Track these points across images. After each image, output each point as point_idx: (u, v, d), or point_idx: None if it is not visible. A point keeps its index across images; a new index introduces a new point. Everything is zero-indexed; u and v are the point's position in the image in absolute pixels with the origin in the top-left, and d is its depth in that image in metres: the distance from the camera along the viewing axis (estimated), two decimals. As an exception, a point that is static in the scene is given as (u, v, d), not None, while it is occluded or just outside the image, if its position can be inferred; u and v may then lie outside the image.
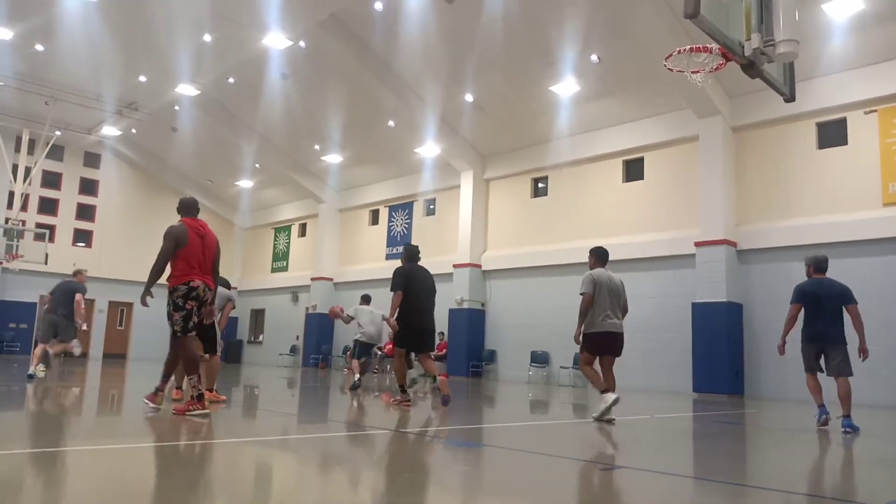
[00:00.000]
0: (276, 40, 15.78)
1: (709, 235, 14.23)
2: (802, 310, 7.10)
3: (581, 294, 7.18)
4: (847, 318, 6.97)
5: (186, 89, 19.12)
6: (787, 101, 6.55)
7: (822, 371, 7.08)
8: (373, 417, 7.61)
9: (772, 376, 13.25)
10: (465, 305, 18.76)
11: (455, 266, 19.33)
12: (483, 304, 19.06)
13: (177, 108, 21.02)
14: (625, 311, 7.52)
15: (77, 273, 11.52)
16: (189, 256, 5.98)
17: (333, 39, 16.27)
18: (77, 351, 10.96)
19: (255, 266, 28.52)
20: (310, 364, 23.27)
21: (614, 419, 7.07)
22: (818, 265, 7.22)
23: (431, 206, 21.59)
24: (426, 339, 8.28)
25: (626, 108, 15.90)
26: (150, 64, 18.39)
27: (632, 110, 15.90)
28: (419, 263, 8.28)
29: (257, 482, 3.74)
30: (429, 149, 19.38)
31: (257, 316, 27.72)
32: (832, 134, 13.53)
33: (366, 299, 12.60)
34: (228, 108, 21.19)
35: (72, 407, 7.58)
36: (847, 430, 6.72)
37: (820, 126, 13.69)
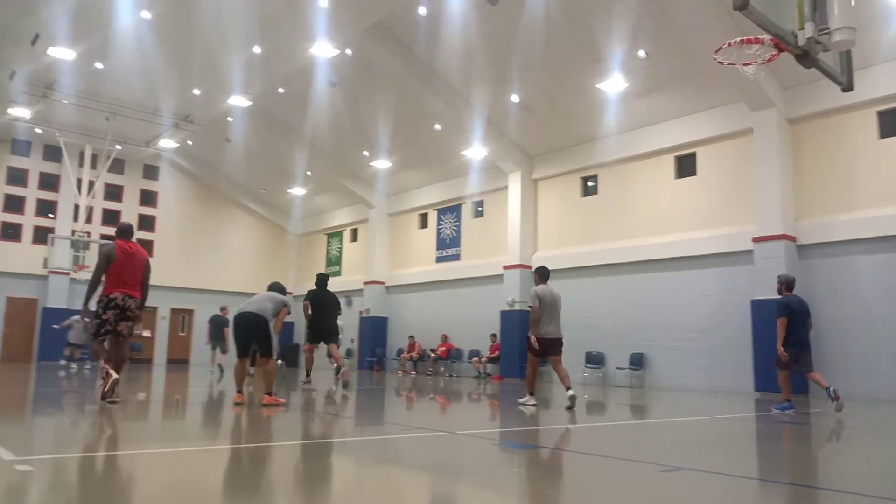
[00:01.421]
0: (323, 49, 16.06)
1: (766, 231, 13.86)
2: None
3: (529, 307, 8.96)
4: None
5: (238, 101, 19.62)
6: (844, 90, 6.37)
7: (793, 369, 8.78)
8: (428, 419, 7.68)
9: (837, 374, 12.80)
10: (517, 307, 18.71)
11: (505, 268, 19.30)
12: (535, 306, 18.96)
13: (230, 119, 21.59)
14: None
15: (222, 309, 16.50)
16: (116, 272, 7.28)
17: (379, 46, 16.47)
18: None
19: (309, 271, 29.00)
20: (365, 367, 23.56)
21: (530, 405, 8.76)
22: (789, 284, 9.17)
23: (479, 209, 21.61)
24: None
25: (676, 103, 15.63)
26: (203, 77, 18.95)
27: (682, 105, 15.61)
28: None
29: (317, 484, 3.83)
30: (475, 151, 19.41)
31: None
32: (895, 122, 13.02)
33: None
34: (279, 118, 21.66)
35: (142, 411, 7.89)
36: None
37: (881, 115, 13.17)
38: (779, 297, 9.22)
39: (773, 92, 13.81)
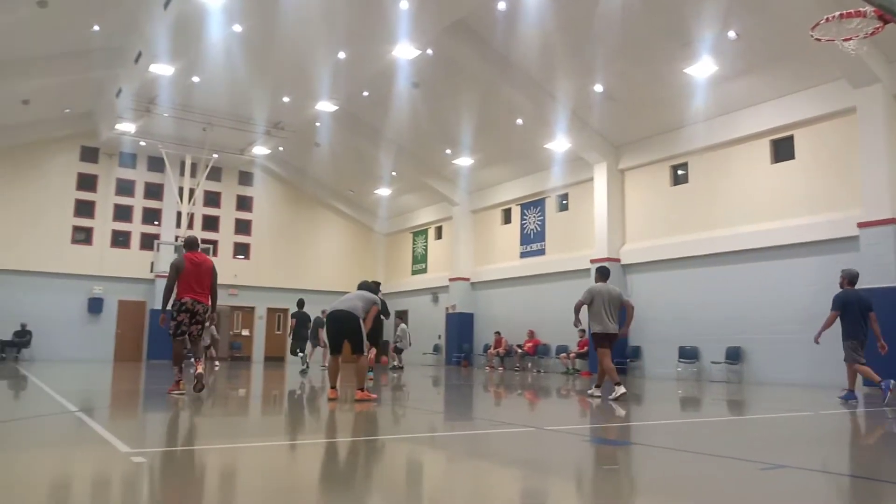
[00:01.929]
0: (404, 51, 16.29)
1: (874, 215, 12.99)
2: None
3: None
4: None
5: (325, 106, 20.20)
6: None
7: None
8: (517, 415, 7.68)
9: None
10: (605, 301, 18.37)
11: (592, 261, 18.96)
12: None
13: (318, 124, 22.26)
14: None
15: (322, 311, 15.89)
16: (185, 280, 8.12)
17: (459, 44, 16.55)
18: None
19: (396, 269, 29.56)
20: (452, 362, 23.77)
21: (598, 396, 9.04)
22: (851, 279, 9.29)
23: (564, 202, 21.34)
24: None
25: (770, 84, 14.88)
26: (292, 85, 19.63)
27: (777, 86, 14.85)
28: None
29: (412, 478, 3.92)
30: (559, 143, 19.18)
31: (401, 317, 28.69)
32: None
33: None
34: (364, 120, 22.14)
35: (242, 406, 8.28)
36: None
37: None
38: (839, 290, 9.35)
39: (878, 67, 12.92)
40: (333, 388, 8.29)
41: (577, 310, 9.16)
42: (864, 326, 8.97)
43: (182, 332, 8.12)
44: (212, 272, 8.32)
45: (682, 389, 12.60)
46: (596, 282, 9.42)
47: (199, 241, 8.69)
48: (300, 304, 16.85)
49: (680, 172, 17.72)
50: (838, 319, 9.10)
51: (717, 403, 9.79)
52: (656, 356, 17.49)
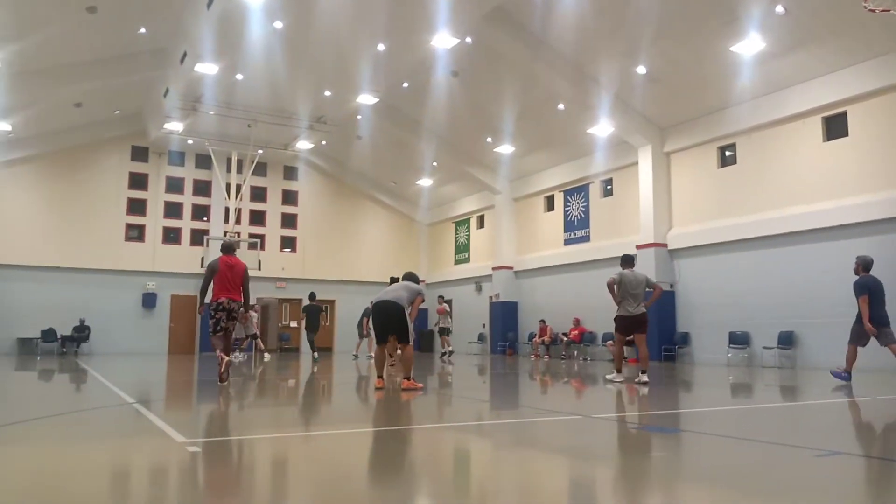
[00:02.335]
0: (443, 40, 16.24)
1: (935, 192, 12.47)
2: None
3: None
4: None
5: (366, 98, 20.31)
6: None
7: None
8: (563, 402, 7.65)
9: None
10: (653, 287, 18.11)
11: (638, 247, 18.69)
12: (672, 285, 18.25)
13: (359, 117, 22.41)
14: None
15: (371, 303, 18.69)
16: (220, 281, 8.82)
17: (498, 31, 16.42)
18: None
19: (439, 259, 29.65)
20: (497, 351, 23.76)
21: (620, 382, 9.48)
22: (866, 265, 9.51)
23: (608, 187, 21.05)
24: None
25: (821, 59, 14.36)
26: (333, 79, 19.80)
27: (828, 61, 14.33)
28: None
29: (460, 466, 3.95)
30: (602, 128, 18.90)
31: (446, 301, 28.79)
32: None
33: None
34: (404, 112, 22.20)
35: (292, 396, 8.45)
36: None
37: None
38: (856, 277, 9.56)
39: (938, 37, 12.37)
40: (380, 377, 8.39)
41: (611, 288, 9.68)
42: (884, 311, 9.31)
43: (221, 329, 8.83)
44: (244, 274, 9.03)
45: (733, 375, 12.35)
46: (623, 269, 9.78)
47: (235, 246, 9.44)
48: (311, 296, 17.72)
49: (727, 154, 17.30)
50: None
51: (770, 389, 9.57)
52: (705, 342, 17.18)
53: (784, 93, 15.44)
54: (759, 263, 15.89)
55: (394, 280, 9.00)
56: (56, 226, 23.49)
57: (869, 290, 9.25)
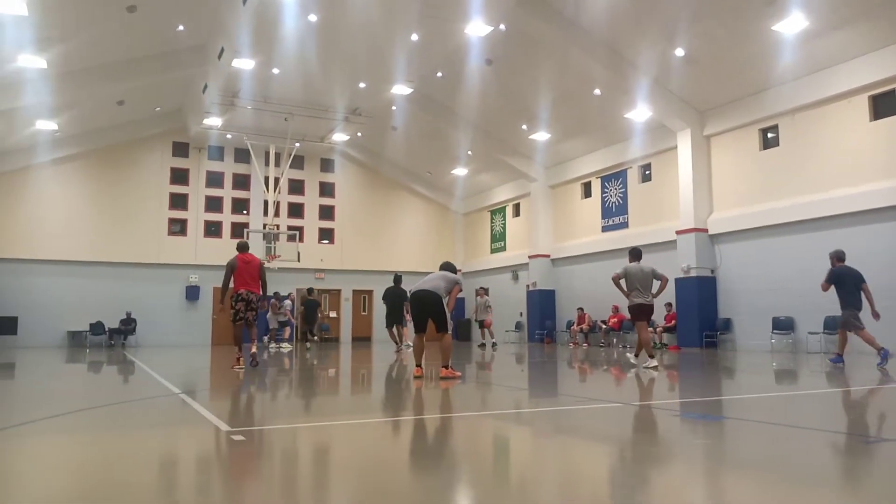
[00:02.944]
0: (477, 28, 16.16)
1: None
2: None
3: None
4: None
5: (401, 89, 20.35)
6: None
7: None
8: (603, 390, 7.60)
9: None
10: (693, 273, 17.80)
11: (678, 233, 18.41)
12: (713, 271, 17.94)
13: (394, 108, 22.47)
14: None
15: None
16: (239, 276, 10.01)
17: (532, 17, 16.26)
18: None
19: (475, 248, 29.63)
20: (535, 339, 23.69)
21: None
22: (839, 257, 10.57)
23: (647, 172, 20.74)
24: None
25: (867, 36, 13.87)
26: (368, 71, 19.87)
27: (875, 38, 13.83)
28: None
29: (497, 454, 3.97)
30: (639, 112, 18.61)
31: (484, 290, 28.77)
32: None
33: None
34: (438, 101, 22.18)
35: (332, 385, 8.57)
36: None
37: None
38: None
39: None
40: (419, 366, 8.46)
41: (616, 282, 10.19)
42: (859, 297, 10.28)
43: (240, 319, 10.01)
44: (259, 268, 10.25)
45: (777, 361, 12.11)
46: (630, 262, 10.27)
47: (249, 245, 10.84)
48: (309, 291, 19.87)
49: (770, 135, 16.88)
50: (835, 292, 10.45)
51: (816, 375, 9.36)
52: (748, 328, 16.86)
53: (828, 72, 14.99)
54: (804, 247, 15.51)
55: (444, 267, 9.05)
56: (101, 222, 24.14)
57: (837, 278, 10.39)
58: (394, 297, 16.63)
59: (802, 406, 6.01)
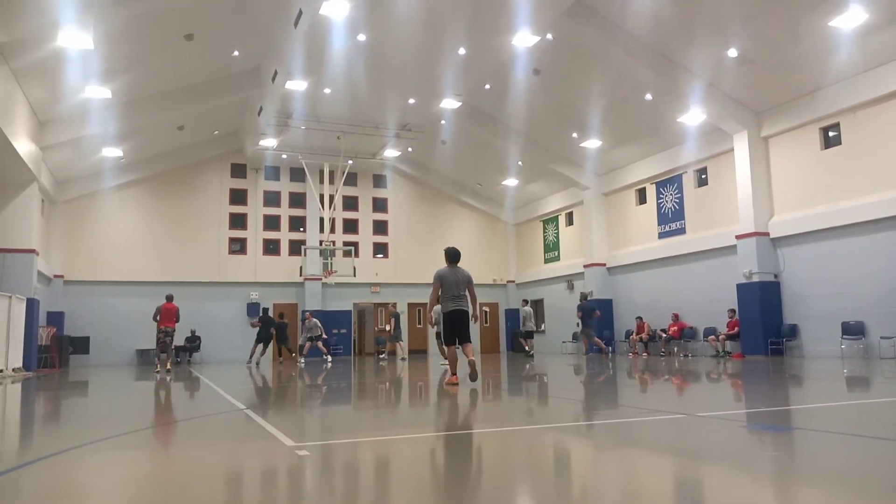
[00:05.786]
0: (524, 39, 16.19)
1: None
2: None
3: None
4: None
5: (449, 103, 20.52)
6: None
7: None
8: (665, 401, 7.45)
9: None
10: (756, 279, 17.31)
11: (738, 237, 17.95)
12: (776, 276, 17.41)
13: (443, 121, 22.65)
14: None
15: None
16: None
17: (580, 25, 16.21)
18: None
19: (528, 258, 29.50)
20: (593, 350, 23.36)
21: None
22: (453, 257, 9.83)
23: (703, 176, 20.31)
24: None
25: (934, 26, 13.33)
26: (417, 87, 20.13)
27: (943, 27, 13.28)
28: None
29: (557, 468, 3.93)
30: (693, 116, 18.28)
31: (536, 306, 28.61)
32: None
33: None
34: (487, 113, 22.26)
35: (386, 400, 8.65)
36: None
37: None
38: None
39: None
40: (454, 374, 8.93)
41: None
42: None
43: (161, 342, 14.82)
44: (176, 312, 15.41)
45: (848, 368, 11.64)
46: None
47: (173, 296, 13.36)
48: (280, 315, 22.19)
49: (831, 134, 16.34)
50: None
51: (890, 382, 8.95)
52: (815, 334, 16.28)
53: (890, 66, 14.46)
54: (872, 248, 14.93)
55: (454, 257, 9.43)
56: (165, 243, 25.03)
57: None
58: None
59: (878, 415, 5.76)
